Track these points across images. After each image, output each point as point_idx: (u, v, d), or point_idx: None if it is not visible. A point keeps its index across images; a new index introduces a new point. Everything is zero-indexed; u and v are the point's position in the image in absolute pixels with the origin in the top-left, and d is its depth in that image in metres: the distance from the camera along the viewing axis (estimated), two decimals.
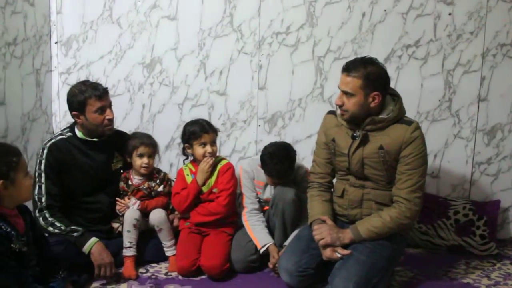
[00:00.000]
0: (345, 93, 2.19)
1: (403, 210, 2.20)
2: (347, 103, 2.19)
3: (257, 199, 2.67)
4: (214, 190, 2.62)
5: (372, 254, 2.19)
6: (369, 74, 2.15)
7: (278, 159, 2.51)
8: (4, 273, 1.81)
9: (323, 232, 2.24)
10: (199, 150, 2.61)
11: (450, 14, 2.90)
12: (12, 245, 1.86)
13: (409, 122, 2.22)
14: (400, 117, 2.23)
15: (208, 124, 2.67)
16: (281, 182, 2.55)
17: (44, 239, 2.15)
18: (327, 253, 2.23)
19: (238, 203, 2.73)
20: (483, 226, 2.79)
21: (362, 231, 2.22)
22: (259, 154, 2.68)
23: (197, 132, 2.60)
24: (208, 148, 2.60)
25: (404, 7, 2.93)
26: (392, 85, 2.35)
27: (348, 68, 2.18)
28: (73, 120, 2.58)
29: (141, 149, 2.60)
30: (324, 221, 2.30)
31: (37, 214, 2.39)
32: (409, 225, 2.33)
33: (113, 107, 2.59)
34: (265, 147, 2.61)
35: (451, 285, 2.43)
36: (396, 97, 2.27)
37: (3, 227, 1.85)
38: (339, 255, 2.21)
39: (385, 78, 2.22)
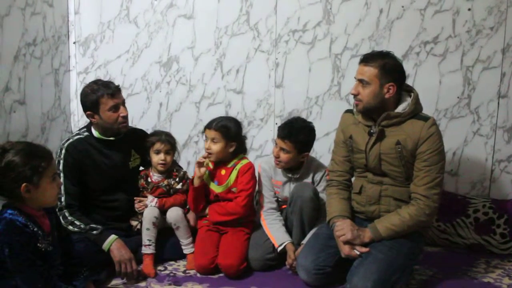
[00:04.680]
0: (360, 81, 2.22)
1: (421, 207, 2.19)
2: (362, 93, 2.22)
3: (275, 198, 2.66)
4: (233, 189, 2.61)
5: (391, 252, 2.18)
6: (386, 64, 2.18)
7: (288, 121, 2.60)
8: (31, 272, 1.84)
9: (344, 228, 2.25)
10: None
11: (469, 9, 2.86)
12: (38, 244, 1.88)
13: (426, 118, 2.22)
14: (416, 113, 2.23)
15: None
16: (292, 151, 2.51)
17: (69, 238, 2.17)
18: (345, 250, 2.23)
19: (255, 201, 2.73)
20: (503, 224, 2.75)
21: (381, 229, 2.21)
22: None
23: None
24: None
25: (422, 3, 2.90)
26: (410, 82, 2.35)
27: (366, 59, 2.23)
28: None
29: (157, 146, 2.62)
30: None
31: (57, 213, 2.41)
32: (428, 223, 2.31)
33: (130, 106, 2.60)
34: None
35: (471, 284, 2.40)
36: (411, 93, 2.27)
37: (30, 226, 1.87)
38: (357, 253, 2.21)
39: (401, 71, 2.25)
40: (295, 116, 2.75)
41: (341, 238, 2.25)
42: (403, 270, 2.20)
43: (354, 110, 2.35)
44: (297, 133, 2.50)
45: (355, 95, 2.25)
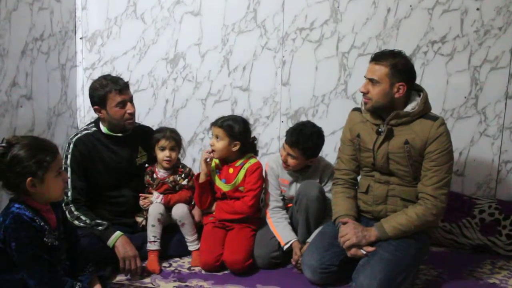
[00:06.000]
0: (371, 80, 2.21)
1: (429, 207, 2.18)
2: (372, 91, 2.21)
3: (281, 197, 2.66)
4: (240, 188, 2.61)
5: (397, 252, 2.17)
6: (397, 64, 2.17)
7: (297, 126, 2.58)
8: (38, 265, 1.85)
9: (348, 232, 2.24)
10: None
11: (478, 9, 2.84)
12: (45, 239, 1.88)
13: (435, 118, 2.21)
14: (425, 112, 2.23)
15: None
16: (299, 157, 2.52)
17: (75, 234, 2.18)
18: (351, 251, 2.22)
19: (261, 199, 2.72)
20: (509, 225, 2.74)
21: (388, 228, 2.21)
22: None
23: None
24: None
25: (430, 2, 2.89)
26: (417, 81, 2.33)
27: (377, 57, 2.22)
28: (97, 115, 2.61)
29: (162, 142, 2.62)
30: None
31: (63, 208, 2.41)
32: (435, 223, 2.30)
33: (136, 102, 2.60)
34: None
35: (477, 285, 2.40)
36: (421, 92, 2.26)
37: (37, 221, 1.87)
38: (363, 252, 2.21)
39: (412, 71, 2.24)
40: (304, 121, 2.71)
41: (345, 243, 2.23)
42: (409, 270, 2.19)
43: (362, 108, 2.34)
44: (305, 141, 2.49)
45: (364, 93, 2.24)
